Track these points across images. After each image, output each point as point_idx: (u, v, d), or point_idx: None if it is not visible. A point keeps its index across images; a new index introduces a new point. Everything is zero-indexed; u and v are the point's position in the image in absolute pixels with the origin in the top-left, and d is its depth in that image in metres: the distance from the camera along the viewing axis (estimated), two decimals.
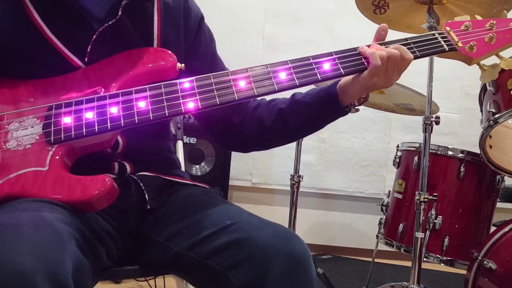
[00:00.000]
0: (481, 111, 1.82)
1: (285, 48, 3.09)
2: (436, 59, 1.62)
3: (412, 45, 0.96)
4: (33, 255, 0.61)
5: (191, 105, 0.87)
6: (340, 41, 3.08)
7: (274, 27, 3.10)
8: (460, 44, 0.98)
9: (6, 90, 0.90)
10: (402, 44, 0.95)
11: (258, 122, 1.05)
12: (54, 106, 0.86)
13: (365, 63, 0.92)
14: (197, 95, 0.88)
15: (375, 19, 1.83)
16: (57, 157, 0.82)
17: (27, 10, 0.90)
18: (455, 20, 1.02)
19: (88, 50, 0.93)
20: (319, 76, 0.92)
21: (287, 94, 1.02)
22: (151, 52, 0.96)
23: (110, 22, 0.92)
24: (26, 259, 0.60)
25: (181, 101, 0.87)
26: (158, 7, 1.01)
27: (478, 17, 1.03)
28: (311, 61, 0.93)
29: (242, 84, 0.89)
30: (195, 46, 1.08)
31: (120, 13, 0.92)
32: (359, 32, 2.96)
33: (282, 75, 0.91)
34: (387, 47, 0.93)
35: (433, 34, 0.99)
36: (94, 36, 0.92)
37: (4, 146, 0.83)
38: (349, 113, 1.00)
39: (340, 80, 0.97)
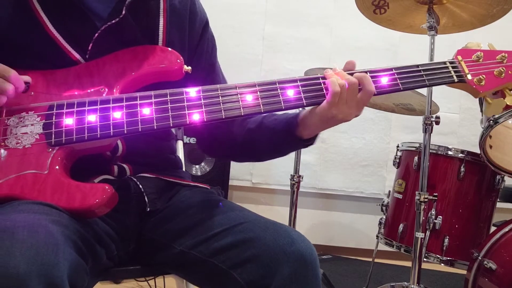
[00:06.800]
0: (481, 111, 1.81)
1: (285, 48, 3.08)
2: (436, 58, 1.62)
3: (422, 73, 0.94)
4: (27, 258, 0.60)
5: (196, 117, 0.85)
6: (340, 41, 3.09)
7: (274, 27, 3.10)
8: (469, 77, 0.97)
9: None
10: (413, 70, 0.94)
11: (231, 138, 1.05)
12: (55, 105, 0.84)
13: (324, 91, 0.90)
14: (203, 106, 0.86)
15: (375, 19, 1.83)
16: (58, 160, 0.81)
17: (29, 2, 0.90)
18: (467, 46, 1.00)
19: (90, 48, 0.91)
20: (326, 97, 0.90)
21: None
22: (158, 51, 0.93)
23: (113, 21, 0.90)
24: (19, 262, 0.59)
25: (186, 112, 0.85)
26: (164, 7, 0.99)
27: (491, 47, 1.01)
28: (321, 81, 0.91)
29: (249, 98, 0.88)
30: (198, 54, 1.06)
31: (124, 11, 0.90)
32: (359, 32, 2.98)
33: (290, 93, 0.89)
34: (352, 74, 0.90)
35: (445, 63, 0.97)
36: (96, 34, 0.90)
37: (3, 144, 0.82)
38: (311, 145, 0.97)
39: (303, 110, 0.95)
